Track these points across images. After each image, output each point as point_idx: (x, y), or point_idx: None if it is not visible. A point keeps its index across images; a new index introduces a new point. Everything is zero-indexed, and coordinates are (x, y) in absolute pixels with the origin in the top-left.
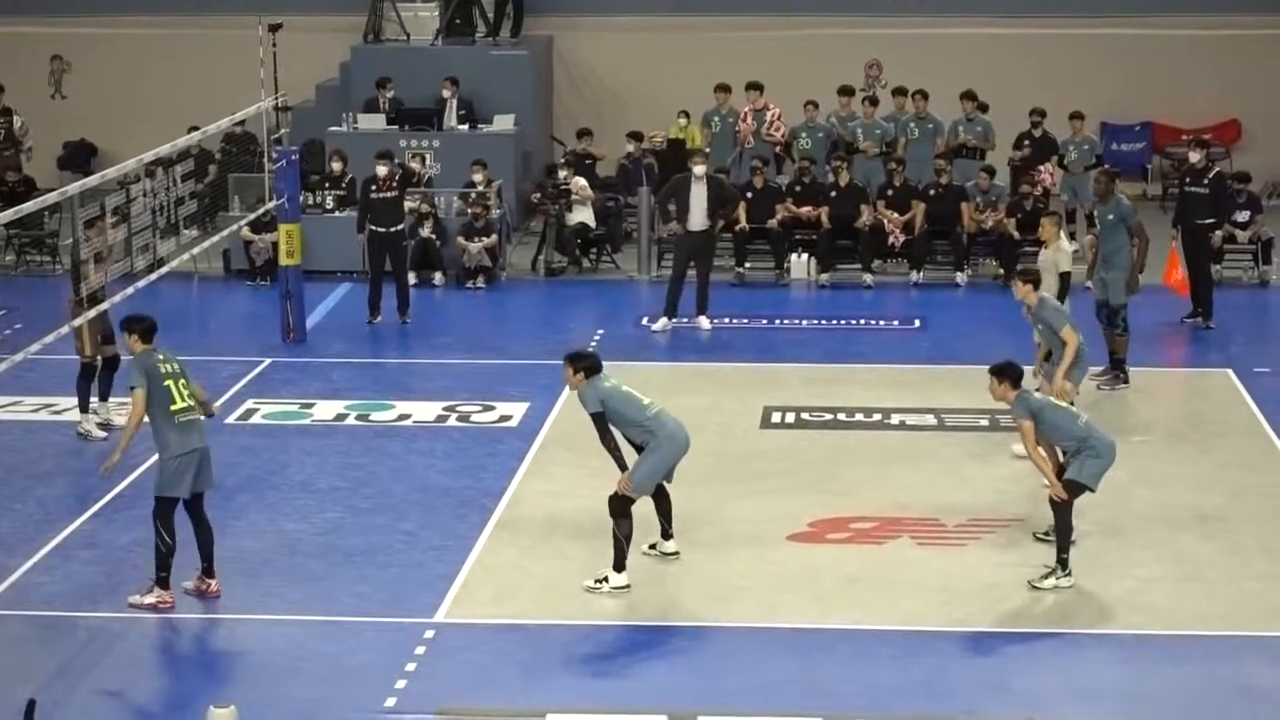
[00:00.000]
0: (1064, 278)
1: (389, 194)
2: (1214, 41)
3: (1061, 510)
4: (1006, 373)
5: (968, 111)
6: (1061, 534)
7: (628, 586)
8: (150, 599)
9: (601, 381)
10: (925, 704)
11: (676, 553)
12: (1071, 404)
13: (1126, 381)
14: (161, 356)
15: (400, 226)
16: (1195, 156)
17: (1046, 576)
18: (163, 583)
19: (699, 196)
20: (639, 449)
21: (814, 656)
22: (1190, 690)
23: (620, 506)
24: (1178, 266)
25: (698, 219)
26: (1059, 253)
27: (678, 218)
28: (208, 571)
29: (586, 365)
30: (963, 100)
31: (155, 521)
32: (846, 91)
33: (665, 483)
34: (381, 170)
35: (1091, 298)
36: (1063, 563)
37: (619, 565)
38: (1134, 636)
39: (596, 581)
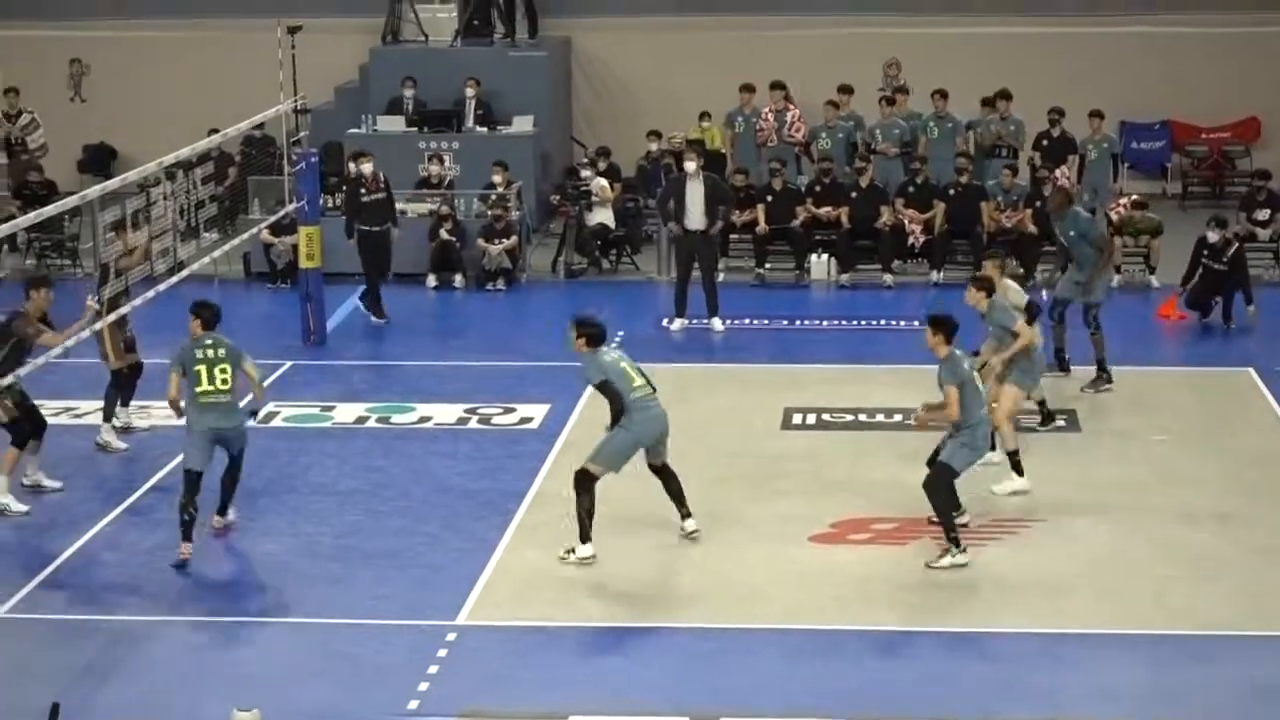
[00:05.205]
0: (1029, 308)
1: (378, 194)
2: (1233, 39)
3: (938, 494)
4: (943, 325)
5: (1002, 111)
6: (944, 514)
7: (593, 557)
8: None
9: (602, 356)
10: (945, 704)
11: (697, 530)
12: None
13: (1110, 381)
14: (210, 342)
15: (385, 226)
16: (1214, 236)
17: (942, 557)
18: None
19: (695, 195)
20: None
21: (835, 657)
22: (1211, 690)
23: (583, 482)
24: (1174, 308)
25: (695, 218)
26: (1010, 291)
27: (675, 217)
28: (222, 510)
29: (589, 332)
30: (997, 99)
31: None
32: (847, 90)
33: (664, 462)
34: (366, 168)
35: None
36: (954, 541)
37: (584, 537)
38: (1154, 636)
39: (565, 552)
